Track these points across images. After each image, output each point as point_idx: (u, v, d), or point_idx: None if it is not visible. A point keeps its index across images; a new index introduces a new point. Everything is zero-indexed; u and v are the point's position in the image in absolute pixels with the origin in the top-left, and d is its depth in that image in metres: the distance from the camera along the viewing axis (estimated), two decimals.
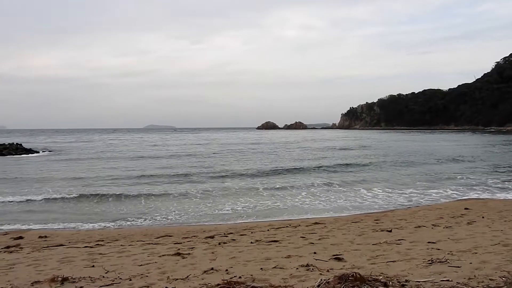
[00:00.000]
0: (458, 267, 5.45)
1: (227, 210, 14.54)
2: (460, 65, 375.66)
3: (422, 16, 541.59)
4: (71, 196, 17.02)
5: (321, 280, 4.71)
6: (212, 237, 9.59)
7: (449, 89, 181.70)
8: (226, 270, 5.95)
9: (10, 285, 5.54)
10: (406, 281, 4.82)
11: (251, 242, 8.55)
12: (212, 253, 7.51)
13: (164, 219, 13.25)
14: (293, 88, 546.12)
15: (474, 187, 19.04)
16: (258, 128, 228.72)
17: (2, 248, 8.78)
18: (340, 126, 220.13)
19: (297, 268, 5.82)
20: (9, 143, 48.09)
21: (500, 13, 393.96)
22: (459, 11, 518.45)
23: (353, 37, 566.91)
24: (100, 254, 7.78)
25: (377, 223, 11.05)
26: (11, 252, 8.38)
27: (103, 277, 5.80)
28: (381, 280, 4.66)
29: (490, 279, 4.79)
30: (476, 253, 6.43)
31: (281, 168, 26.90)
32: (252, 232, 10.13)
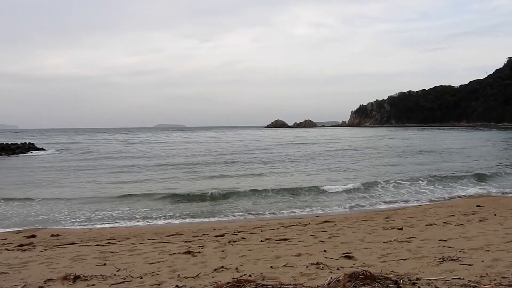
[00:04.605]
0: (470, 265, 5.41)
1: None
2: (471, 61, 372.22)
3: (433, 12, 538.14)
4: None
5: (331, 278, 4.70)
6: (222, 235, 9.61)
7: (461, 85, 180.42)
8: (236, 268, 5.97)
9: (24, 282, 5.62)
10: (417, 279, 4.79)
11: (261, 241, 8.56)
12: (222, 251, 7.54)
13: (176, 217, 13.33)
14: (302, 86, 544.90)
15: (486, 184, 18.82)
16: (268, 126, 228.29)
17: (15, 246, 8.91)
18: (350, 124, 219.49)
19: (307, 266, 5.82)
20: (21, 143, 48.98)
21: None
22: (470, 7, 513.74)
23: (364, 34, 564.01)
24: (112, 252, 7.85)
25: (388, 221, 10.98)
26: (24, 250, 8.50)
27: (115, 275, 5.86)
28: (392, 278, 4.64)
29: (502, 277, 4.74)
30: (488, 250, 6.37)
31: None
32: (262, 231, 10.13)
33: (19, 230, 11.60)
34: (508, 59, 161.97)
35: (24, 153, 42.93)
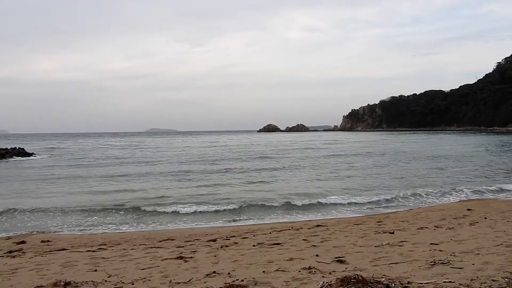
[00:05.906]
0: (461, 268, 5.44)
1: None
2: (461, 66, 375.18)
3: (426, 17, 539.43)
4: None
5: (323, 282, 4.70)
6: (214, 240, 9.59)
7: (451, 90, 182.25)
8: (229, 273, 5.95)
9: None
10: (409, 282, 4.81)
11: (253, 245, 8.54)
12: (215, 256, 7.52)
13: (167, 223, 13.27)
14: (295, 90, 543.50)
15: (477, 188, 18.94)
16: (260, 131, 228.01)
17: (4, 253, 8.80)
18: (342, 128, 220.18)
19: (299, 271, 5.82)
20: (11, 148, 48.35)
21: (503, 14, 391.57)
22: (462, 12, 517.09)
23: (357, 38, 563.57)
24: (103, 258, 7.79)
25: (380, 225, 11.03)
26: (13, 256, 8.40)
27: (106, 281, 5.82)
28: (383, 282, 4.66)
29: (492, 280, 4.78)
30: (478, 254, 6.42)
31: None
32: (254, 235, 10.12)
33: (8, 236, 11.46)
34: (497, 64, 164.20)
35: (13, 158, 42.46)
